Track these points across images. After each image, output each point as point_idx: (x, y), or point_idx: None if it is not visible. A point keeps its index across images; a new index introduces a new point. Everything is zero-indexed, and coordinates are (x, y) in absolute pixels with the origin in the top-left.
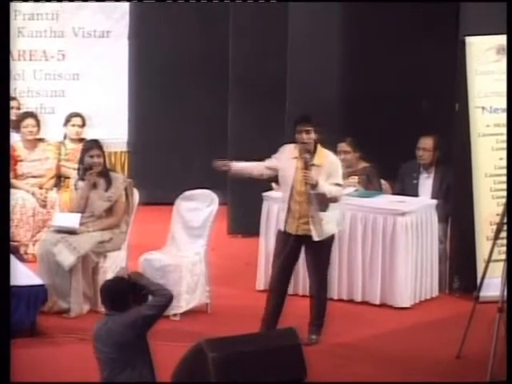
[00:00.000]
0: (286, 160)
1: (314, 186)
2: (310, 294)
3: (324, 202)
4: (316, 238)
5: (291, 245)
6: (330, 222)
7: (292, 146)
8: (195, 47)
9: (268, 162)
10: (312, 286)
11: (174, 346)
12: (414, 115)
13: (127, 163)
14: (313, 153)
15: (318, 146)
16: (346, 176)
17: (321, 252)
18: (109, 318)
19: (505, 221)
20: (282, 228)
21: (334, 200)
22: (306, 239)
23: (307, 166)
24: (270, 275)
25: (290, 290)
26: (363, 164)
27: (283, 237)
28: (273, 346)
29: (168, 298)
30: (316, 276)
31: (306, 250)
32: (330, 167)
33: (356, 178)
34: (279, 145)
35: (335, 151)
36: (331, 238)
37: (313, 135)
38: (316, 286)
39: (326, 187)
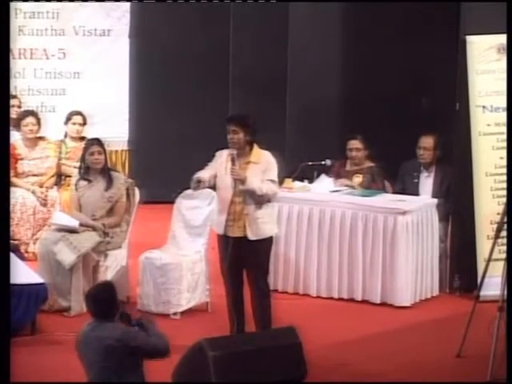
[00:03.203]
0: (221, 164)
1: (243, 181)
2: (251, 301)
3: (257, 200)
4: (251, 238)
5: (232, 248)
6: (267, 223)
7: (227, 150)
8: (196, 46)
9: (209, 171)
10: (253, 293)
11: (174, 344)
12: (415, 114)
13: (128, 162)
14: (249, 152)
15: (255, 146)
16: (352, 174)
17: (258, 255)
18: (97, 324)
19: (505, 220)
20: (222, 231)
21: (267, 198)
22: (243, 240)
23: (235, 162)
24: (223, 280)
25: (291, 289)
26: (369, 163)
27: (223, 240)
28: (273, 345)
29: (164, 350)
30: (255, 282)
31: (243, 252)
32: (266, 165)
33: (360, 176)
34: (280, 143)
35: (345, 148)
36: (269, 241)
37: (240, 135)
38: (257, 293)
39: (256, 183)
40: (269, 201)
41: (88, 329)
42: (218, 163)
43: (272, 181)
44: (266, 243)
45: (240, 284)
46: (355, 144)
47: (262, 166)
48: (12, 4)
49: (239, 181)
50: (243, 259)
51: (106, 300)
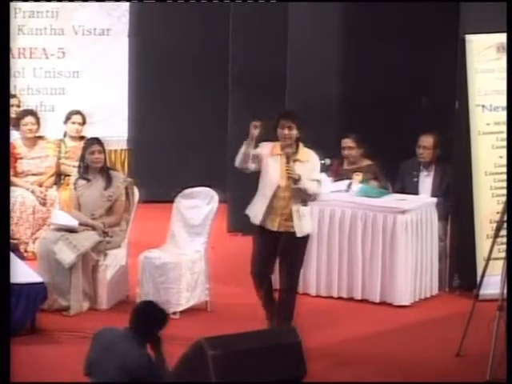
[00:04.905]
0: (268, 156)
1: (297, 180)
2: (279, 293)
3: (304, 198)
4: (298, 235)
5: (271, 241)
6: (307, 220)
7: (271, 144)
8: (195, 46)
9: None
10: (283, 284)
11: (173, 344)
12: (414, 113)
13: (127, 161)
14: (296, 149)
15: (300, 145)
16: (350, 172)
17: (298, 250)
18: (127, 336)
19: (505, 219)
20: (262, 224)
21: (314, 197)
22: (286, 236)
23: (289, 160)
24: (252, 271)
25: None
26: (366, 161)
27: (263, 233)
28: (273, 344)
29: None
30: (290, 275)
31: (283, 247)
32: (314, 164)
33: (360, 174)
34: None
35: (339, 148)
36: (307, 238)
37: (294, 131)
38: (287, 284)
39: (308, 183)
40: (313, 200)
41: (115, 334)
42: (263, 154)
43: (318, 180)
44: (306, 240)
45: (271, 274)
46: (347, 142)
47: (310, 165)
48: (12, 3)
49: (292, 179)
50: (281, 254)
51: (148, 321)
